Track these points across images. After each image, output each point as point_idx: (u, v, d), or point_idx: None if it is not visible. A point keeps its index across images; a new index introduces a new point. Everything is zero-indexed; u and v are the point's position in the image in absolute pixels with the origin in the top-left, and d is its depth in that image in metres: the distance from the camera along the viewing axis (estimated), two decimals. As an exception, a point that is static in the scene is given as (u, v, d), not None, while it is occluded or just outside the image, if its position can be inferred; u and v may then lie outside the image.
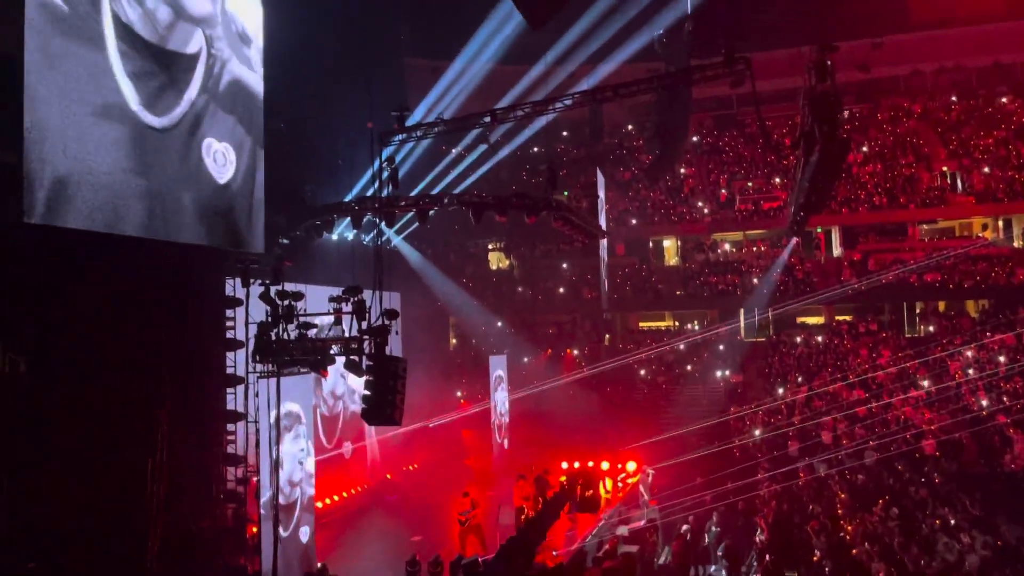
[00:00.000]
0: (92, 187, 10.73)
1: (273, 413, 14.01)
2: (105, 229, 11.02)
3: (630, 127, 41.08)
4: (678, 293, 33.69)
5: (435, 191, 22.85)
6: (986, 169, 32.68)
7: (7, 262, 10.47)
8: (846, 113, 37.08)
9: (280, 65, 15.19)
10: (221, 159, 13.46)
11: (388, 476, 23.98)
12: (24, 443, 10.54)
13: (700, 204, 36.39)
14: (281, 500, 14.20)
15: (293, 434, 14.94)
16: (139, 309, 12.28)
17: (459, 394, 26.88)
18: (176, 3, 12.38)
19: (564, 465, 20.44)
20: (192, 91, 12.74)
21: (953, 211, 33.01)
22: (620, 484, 20.28)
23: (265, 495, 13.93)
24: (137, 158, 11.49)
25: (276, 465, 14.03)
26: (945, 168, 33.86)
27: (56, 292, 11.07)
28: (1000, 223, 32.71)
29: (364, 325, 13.07)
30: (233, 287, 15.07)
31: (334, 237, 20.82)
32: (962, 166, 33.43)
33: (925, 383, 23.75)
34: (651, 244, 37.59)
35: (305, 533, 15.15)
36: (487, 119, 15.98)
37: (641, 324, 36.54)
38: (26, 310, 10.69)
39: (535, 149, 39.34)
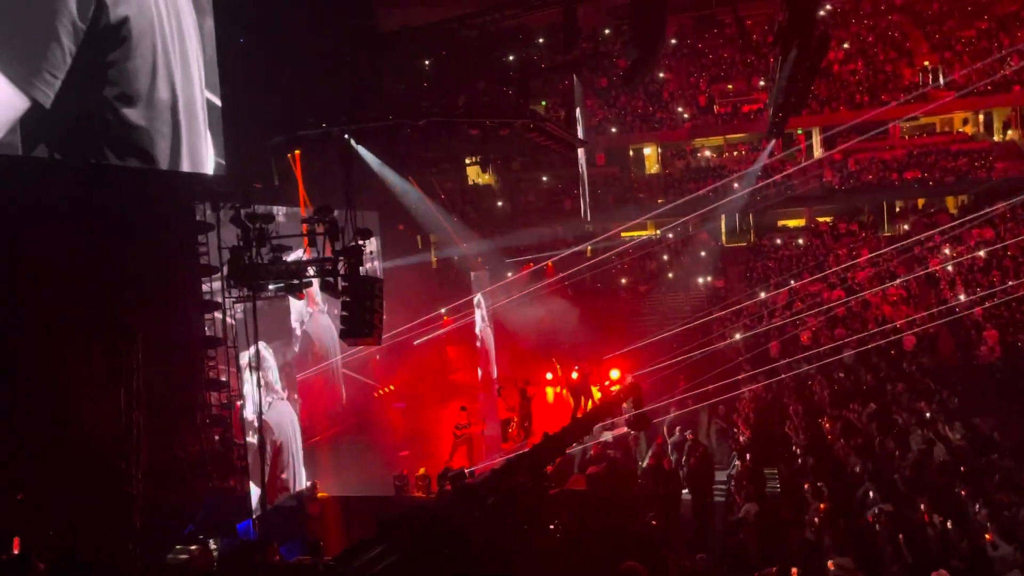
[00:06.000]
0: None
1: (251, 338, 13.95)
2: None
3: (607, 32, 39.90)
4: (659, 201, 33.45)
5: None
6: (968, 62, 32.12)
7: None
8: (828, 8, 36.12)
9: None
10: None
11: (387, 389, 24.29)
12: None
13: (680, 109, 35.74)
14: (266, 420, 14.30)
15: (275, 355, 14.94)
16: (108, 237, 12.01)
17: (443, 311, 26.90)
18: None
19: (549, 376, 20.64)
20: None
21: (934, 107, 32.58)
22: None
23: (250, 418, 14.00)
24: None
25: (259, 386, 14.07)
26: (927, 63, 33.25)
27: (23, 221, 10.74)
28: (980, 117, 32.39)
29: (337, 246, 12.89)
30: (204, 212, 14.80)
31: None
32: (944, 60, 32.82)
33: (899, 280, 23.92)
34: (631, 152, 37.08)
35: (293, 452, 15.33)
36: (455, 26, 15.44)
37: (623, 234, 36.39)
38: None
39: (511, 58, 38.23)
